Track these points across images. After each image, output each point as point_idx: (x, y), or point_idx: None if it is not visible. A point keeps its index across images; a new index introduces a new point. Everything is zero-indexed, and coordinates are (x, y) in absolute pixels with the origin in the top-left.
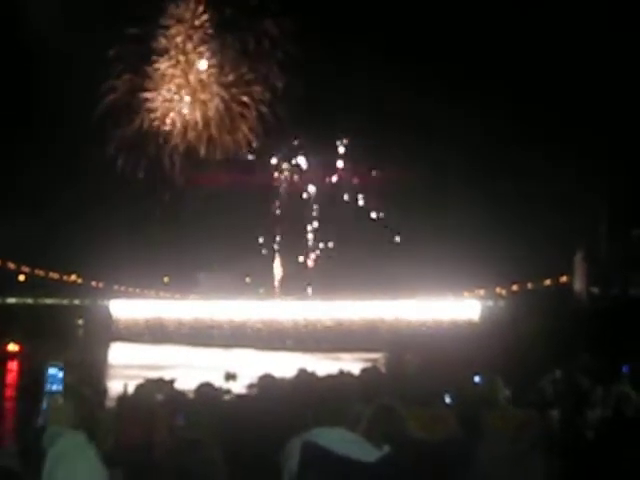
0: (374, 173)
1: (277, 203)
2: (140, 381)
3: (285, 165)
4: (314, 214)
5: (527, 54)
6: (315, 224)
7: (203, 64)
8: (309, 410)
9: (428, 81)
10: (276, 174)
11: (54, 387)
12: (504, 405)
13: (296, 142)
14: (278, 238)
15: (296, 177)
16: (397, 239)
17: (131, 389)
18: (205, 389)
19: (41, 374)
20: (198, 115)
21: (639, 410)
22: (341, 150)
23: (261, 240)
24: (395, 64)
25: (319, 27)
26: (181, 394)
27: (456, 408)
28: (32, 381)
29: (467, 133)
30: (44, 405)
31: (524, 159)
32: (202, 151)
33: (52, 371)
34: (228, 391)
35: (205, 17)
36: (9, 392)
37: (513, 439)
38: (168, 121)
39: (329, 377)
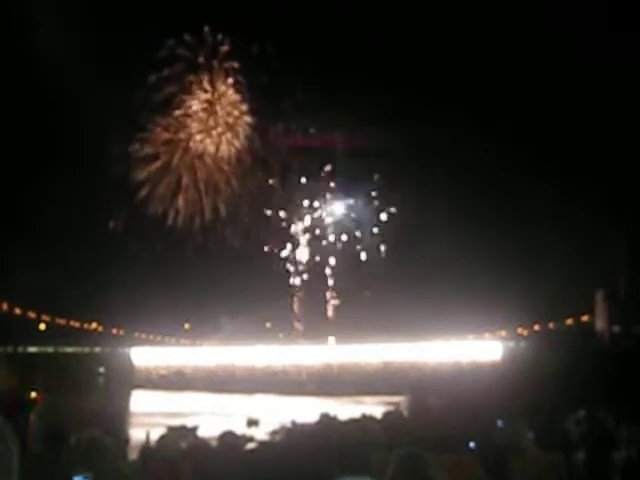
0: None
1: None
2: (163, 430)
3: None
4: (332, 261)
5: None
6: (333, 263)
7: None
8: (333, 457)
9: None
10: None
11: None
12: (529, 449)
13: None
14: (298, 281)
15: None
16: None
17: (153, 437)
18: (228, 438)
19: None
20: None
21: None
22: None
23: (281, 284)
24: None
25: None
26: (204, 443)
27: (481, 454)
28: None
29: (482, 167)
30: None
31: (542, 195)
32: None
33: None
34: (251, 438)
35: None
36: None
37: None
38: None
39: (352, 421)
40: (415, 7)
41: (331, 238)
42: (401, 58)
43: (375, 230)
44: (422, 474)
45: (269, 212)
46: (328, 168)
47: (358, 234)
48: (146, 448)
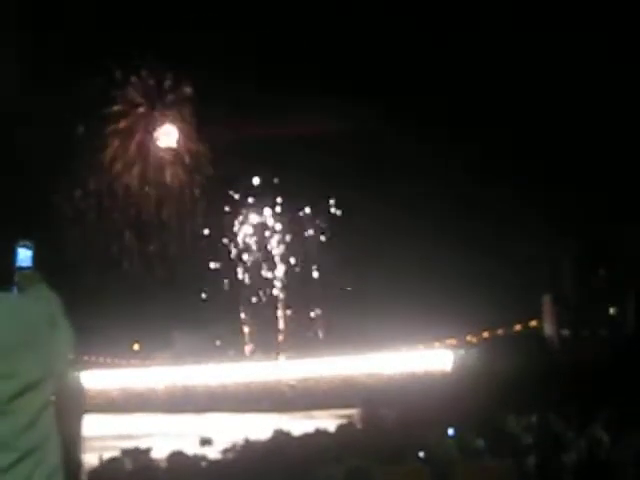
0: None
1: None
2: (116, 453)
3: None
4: (278, 275)
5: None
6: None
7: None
8: (285, 473)
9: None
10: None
11: (24, 264)
12: (479, 457)
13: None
14: (247, 299)
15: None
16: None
17: (105, 460)
18: (175, 457)
19: None
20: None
21: (610, 453)
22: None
23: (230, 301)
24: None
25: None
26: (153, 464)
27: (430, 463)
28: None
29: (433, 175)
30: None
31: (490, 203)
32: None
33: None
34: (203, 457)
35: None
36: None
37: None
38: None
39: (305, 436)
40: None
41: (280, 255)
42: (358, 65)
43: (321, 249)
44: None
45: (207, 231)
46: (275, 181)
47: (306, 253)
48: (94, 472)
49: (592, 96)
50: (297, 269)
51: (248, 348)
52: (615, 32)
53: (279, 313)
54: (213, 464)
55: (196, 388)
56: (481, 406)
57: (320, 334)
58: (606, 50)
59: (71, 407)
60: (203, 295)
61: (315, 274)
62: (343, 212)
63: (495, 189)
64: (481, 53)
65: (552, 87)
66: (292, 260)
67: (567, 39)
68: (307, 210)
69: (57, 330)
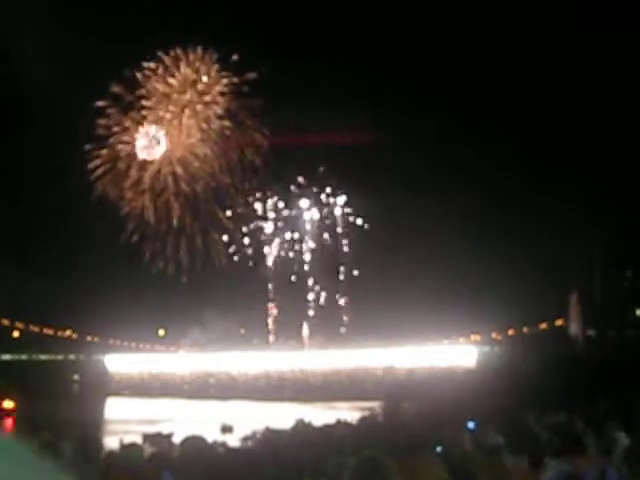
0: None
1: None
2: (138, 437)
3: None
4: (306, 267)
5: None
6: (307, 269)
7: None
8: (303, 463)
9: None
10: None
11: None
12: (496, 453)
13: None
14: (272, 288)
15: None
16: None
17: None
18: (192, 442)
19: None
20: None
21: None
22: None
23: (255, 289)
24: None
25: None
26: (170, 448)
27: (445, 456)
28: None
29: (460, 169)
30: None
31: (518, 202)
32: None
33: None
34: (223, 444)
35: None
36: None
37: None
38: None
39: (326, 427)
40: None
41: (309, 244)
42: (386, 54)
43: (349, 238)
44: (379, 477)
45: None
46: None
47: (333, 241)
48: (111, 454)
49: (627, 85)
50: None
51: (272, 336)
52: None
53: (310, 297)
54: (231, 451)
55: (219, 375)
56: (504, 403)
57: (343, 329)
58: None
59: (94, 390)
60: (229, 283)
61: (342, 267)
62: (376, 204)
63: (524, 185)
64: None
65: (585, 79)
66: (322, 244)
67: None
68: (340, 200)
69: None
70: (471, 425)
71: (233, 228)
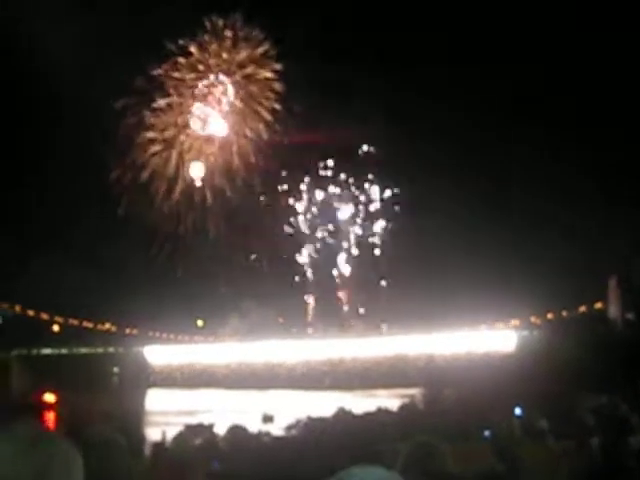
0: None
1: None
2: (179, 428)
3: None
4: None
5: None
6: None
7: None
8: (347, 450)
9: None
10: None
11: None
12: (542, 437)
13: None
14: (310, 276)
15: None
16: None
17: (169, 436)
18: (237, 432)
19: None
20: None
21: None
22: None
23: (295, 279)
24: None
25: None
26: (217, 439)
27: (494, 442)
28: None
29: (492, 153)
30: None
31: (556, 183)
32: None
33: None
34: (267, 434)
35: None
36: None
37: (551, 471)
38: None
39: (367, 415)
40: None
41: (344, 233)
42: (404, 42)
43: (386, 224)
44: (433, 462)
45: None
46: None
47: (372, 228)
48: (158, 446)
49: None
50: (365, 241)
51: (310, 325)
52: None
53: (341, 289)
54: (276, 440)
55: (257, 364)
56: (545, 387)
57: (382, 312)
58: None
59: (135, 382)
60: (266, 271)
61: (377, 251)
62: (412, 190)
63: (565, 168)
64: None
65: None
66: (359, 231)
67: None
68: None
69: None
70: (518, 411)
71: (270, 217)
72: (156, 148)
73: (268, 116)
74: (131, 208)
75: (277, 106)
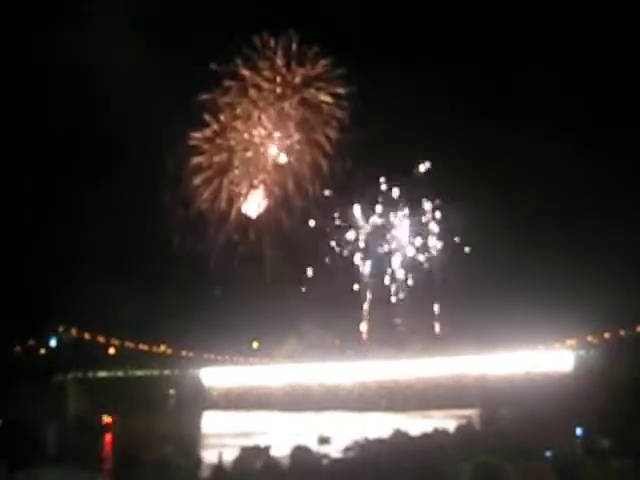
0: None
1: (364, 263)
2: (235, 450)
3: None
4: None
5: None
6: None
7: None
8: (407, 471)
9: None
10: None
11: None
12: (603, 457)
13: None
14: (367, 297)
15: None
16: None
17: (226, 458)
18: (300, 453)
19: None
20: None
21: None
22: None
23: (349, 301)
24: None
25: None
26: (278, 461)
27: (556, 461)
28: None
29: (547, 177)
30: None
31: (608, 202)
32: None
33: None
34: (325, 455)
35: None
36: (105, 465)
37: None
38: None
39: (425, 436)
40: None
41: (397, 254)
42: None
43: (440, 243)
44: None
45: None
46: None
47: (428, 249)
48: (219, 469)
49: None
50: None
51: (366, 347)
52: None
53: (397, 311)
54: (336, 462)
55: (313, 386)
56: (604, 407)
57: (438, 333)
58: None
59: (191, 404)
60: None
61: (434, 272)
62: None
63: (618, 189)
64: None
65: None
66: (414, 252)
67: None
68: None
69: None
70: (579, 431)
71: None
72: (207, 174)
73: (327, 145)
74: (185, 240)
75: (335, 134)
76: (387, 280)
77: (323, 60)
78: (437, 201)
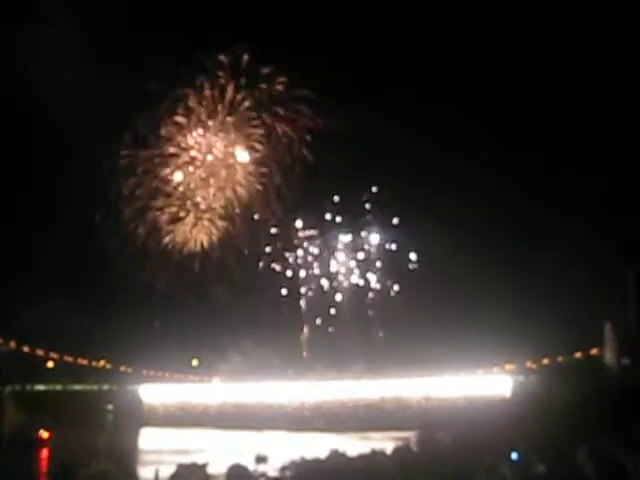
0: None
1: (306, 284)
2: (172, 467)
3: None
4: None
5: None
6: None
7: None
8: None
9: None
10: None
11: None
12: None
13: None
14: (307, 318)
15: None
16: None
17: (162, 475)
18: (236, 471)
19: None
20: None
21: None
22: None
23: (290, 320)
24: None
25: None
26: (214, 479)
27: None
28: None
29: (493, 200)
30: None
31: (551, 232)
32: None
33: None
34: (262, 474)
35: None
36: None
37: None
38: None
39: (362, 457)
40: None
41: (341, 277)
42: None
43: (383, 269)
44: None
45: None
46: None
47: (368, 275)
48: None
49: None
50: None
51: (306, 366)
52: None
53: (345, 328)
54: None
55: (252, 405)
56: (541, 432)
57: (378, 355)
58: None
59: (128, 420)
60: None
61: (373, 295)
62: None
63: (559, 216)
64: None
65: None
66: (355, 280)
67: None
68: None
69: None
70: (514, 455)
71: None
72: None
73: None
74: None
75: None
76: (328, 301)
77: (279, 78)
78: (381, 223)
